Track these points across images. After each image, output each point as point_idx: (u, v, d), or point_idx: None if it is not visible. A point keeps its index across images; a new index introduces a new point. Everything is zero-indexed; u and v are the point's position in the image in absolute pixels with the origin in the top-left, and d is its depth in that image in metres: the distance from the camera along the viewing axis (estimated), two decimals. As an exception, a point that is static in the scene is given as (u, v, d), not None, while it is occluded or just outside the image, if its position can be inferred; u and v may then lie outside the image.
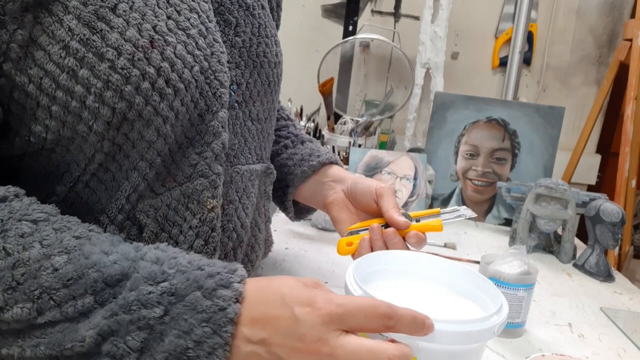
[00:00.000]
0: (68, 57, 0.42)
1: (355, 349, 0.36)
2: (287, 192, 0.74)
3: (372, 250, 0.60)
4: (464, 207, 0.63)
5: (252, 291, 0.39)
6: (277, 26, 0.70)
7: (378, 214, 0.64)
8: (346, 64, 1.54)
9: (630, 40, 1.40)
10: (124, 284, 0.38)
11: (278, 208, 0.79)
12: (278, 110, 0.80)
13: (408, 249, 0.62)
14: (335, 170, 0.73)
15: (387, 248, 0.60)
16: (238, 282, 0.39)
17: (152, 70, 0.45)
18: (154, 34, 0.45)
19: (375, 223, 0.61)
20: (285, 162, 0.74)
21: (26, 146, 0.47)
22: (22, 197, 0.43)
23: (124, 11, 0.44)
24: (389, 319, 0.37)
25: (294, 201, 0.77)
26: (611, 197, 1.26)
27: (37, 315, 0.37)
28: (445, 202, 1.24)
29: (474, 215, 0.62)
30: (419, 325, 0.38)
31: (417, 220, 0.62)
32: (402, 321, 0.38)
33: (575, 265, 0.99)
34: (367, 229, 0.62)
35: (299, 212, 0.79)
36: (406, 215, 0.62)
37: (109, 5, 0.43)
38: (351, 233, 0.64)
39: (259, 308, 0.38)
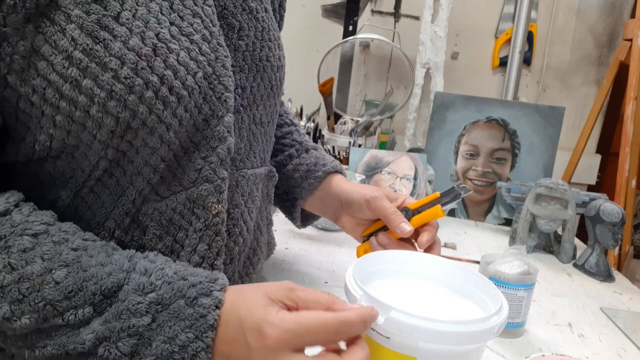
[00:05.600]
0: (71, 67, 0.42)
1: None
2: (296, 204, 0.75)
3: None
4: (458, 184, 0.64)
5: (229, 303, 0.42)
6: (280, 26, 0.70)
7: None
8: (346, 64, 1.54)
9: (630, 40, 1.40)
10: (118, 294, 0.42)
11: (278, 208, 0.79)
12: (281, 115, 0.80)
13: (414, 248, 0.63)
14: (337, 182, 0.73)
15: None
16: (218, 290, 0.42)
17: (155, 78, 0.44)
18: (157, 41, 0.45)
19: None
20: (292, 174, 0.74)
21: (31, 153, 0.47)
22: (22, 206, 0.45)
23: (127, 19, 0.43)
24: (337, 334, 0.39)
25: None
26: (611, 197, 1.26)
27: (43, 322, 0.41)
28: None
29: (470, 191, 0.64)
30: (369, 323, 0.40)
31: (419, 211, 0.62)
32: (353, 327, 0.39)
33: (575, 265, 0.99)
34: (381, 229, 0.65)
35: (305, 219, 0.80)
36: (406, 210, 0.63)
37: (112, 14, 0.43)
38: (368, 236, 0.66)
39: (224, 328, 0.41)
